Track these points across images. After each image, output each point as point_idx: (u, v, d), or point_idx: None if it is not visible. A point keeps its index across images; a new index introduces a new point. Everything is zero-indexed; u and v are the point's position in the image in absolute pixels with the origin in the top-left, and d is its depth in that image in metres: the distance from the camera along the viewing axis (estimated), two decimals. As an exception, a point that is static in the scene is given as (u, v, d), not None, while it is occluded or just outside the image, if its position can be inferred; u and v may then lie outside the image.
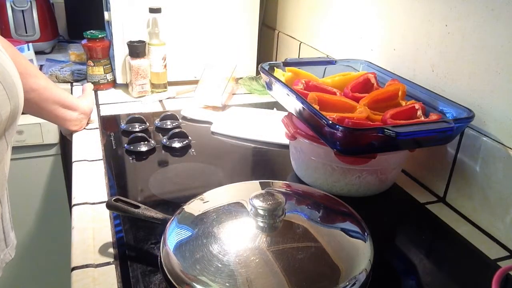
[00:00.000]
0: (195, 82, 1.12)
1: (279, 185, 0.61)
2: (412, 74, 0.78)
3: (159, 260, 0.48)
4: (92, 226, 0.61)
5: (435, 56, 0.73)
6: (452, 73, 0.70)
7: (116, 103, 1.07)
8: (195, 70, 1.19)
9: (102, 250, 0.56)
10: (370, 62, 0.84)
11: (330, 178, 0.69)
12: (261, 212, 0.49)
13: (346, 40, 1.00)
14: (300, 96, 0.64)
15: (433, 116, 0.65)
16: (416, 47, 0.77)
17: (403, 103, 0.70)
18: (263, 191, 0.51)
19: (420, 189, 0.76)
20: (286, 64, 0.80)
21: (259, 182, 0.61)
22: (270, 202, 0.49)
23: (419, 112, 0.66)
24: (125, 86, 1.15)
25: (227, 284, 0.43)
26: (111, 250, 0.56)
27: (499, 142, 0.62)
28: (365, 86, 0.76)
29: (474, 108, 0.63)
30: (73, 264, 0.54)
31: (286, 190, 0.59)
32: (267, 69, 0.77)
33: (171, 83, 1.17)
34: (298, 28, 1.24)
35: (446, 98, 0.67)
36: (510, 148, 0.61)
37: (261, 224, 0.49)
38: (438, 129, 0.59)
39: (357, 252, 0.48)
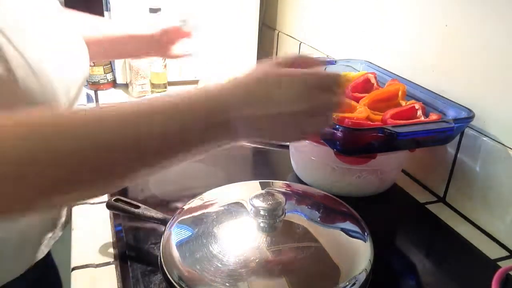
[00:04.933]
0: (195, 82, 1.12)
1: (279, 185, 0.61)
2: (412, 74, 0.78)
3: (159, 260, 0.48)
4: (92, 226, 0.61)
5: (435, 56, 0.73)
6: (452, 73, 0.70)
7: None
8: (195, 70, 1.19)
9: (102, 250, 0.56)
10: (370, 62, 0.84)
11: (330, 178, 0.69)
12: (261, 212, 0.49)
13: (346, 40, 1.00)
14: None
15: (433, 116, 0.65)
16: (416, 47, 0.77)
17: (403, 103, 0.70)
18: (263, 191, 0.51)
19: (420, 189, 0.76)
20: None
21: (259, 182, 0.61)
22: (270, 202, 0.49)
23: (419, 112, 0.66)
24: (125, 86, 1.15)
25: (227, 284, 0.43)
26: (111, 250, 0.56)
27: (499, 142, 0.62)
28: (365, 86, 0.76)
29: (474, 108, 0.63)
30: (73, 264, 0.54)
31: (286, 190, 0.59)
32: None
33: (171, 83, 1.17)
34: (298, 28, 1.24)
35: (446, 98, 0.67)
36: (510, 148, 0.61)
37: (261, 224, 0.49)
38: (438, 129, 0.59)
39: (357, 252, 0.48)
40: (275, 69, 0.43)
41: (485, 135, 0.64)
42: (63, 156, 0.35)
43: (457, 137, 0.68)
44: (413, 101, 0.70)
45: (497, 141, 0.63)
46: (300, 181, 0.74)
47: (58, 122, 0.36)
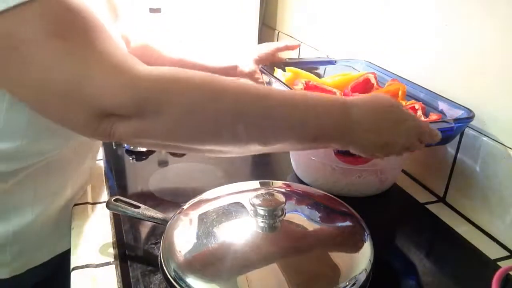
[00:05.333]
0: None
1: (279, 185, 0.61)
2: (412, 74, 0.78)
3: (159, 260, 0.48)
4: (92, 226, 0.61)
5: (435, 56, 0.73)
6: (452, 73, 0.70)
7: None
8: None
9: (102, 250, 0.56)
10: (370, 62, 0.84)
11: (330, 178, 0.69)
12: (261, 212, 0.49)
13: (346, 40, 1.00)
14: None
15: (433, 116, 0.65)
16: (416, 47, 0.77)
17: (404, 103, 0.70)
18: (263, 191, 0.51)
19: (420, 189, 0.76)
20: (286, 64, 0.80)
21: (259, 182, 0.61)
22: (270, 202, 0.49)
23: (419, 112, 0.66)
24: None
25: (227, 284, 0.43)
26: (111, 250, 0.56)
27: (499, 142, 0.62)
28: (365, 86, 0.76)
29: (474, 108, 0.63)
30: (73, 264, 0.54)
31: (286, 190, 0.59)
32: (267, 69, 0.77)
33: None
34: (298, 28, 1.24)
35: (446, 98, 0.67)
36: (510, 148, 0.61)
37: (261, 224, 0.49)
38: (438, 129, 0.59)
39: (357, 252, 0.48)
40: (400, 105, 0.53)
41: (485, 135, 0.64)
42: (250, 116, 0.45)
43: (457, 137, 0.68)
44: (413, 101, 0.70)
45: (497, 141, 0.63)
46: (300, 181, 0.74)
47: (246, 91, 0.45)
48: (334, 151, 0.65)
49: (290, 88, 0.68)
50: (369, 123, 0.50)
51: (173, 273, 0.45)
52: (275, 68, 0.79)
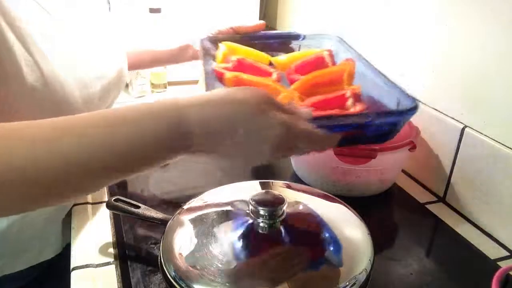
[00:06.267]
0: (195, 82, 1.12)
1: (279, 185, 0.61)
2: (412, 74, 0.78)
3: (159, 260, 0.48)
4: (92, 226, 0.61)
5: (435, 55, 0.73)
6: (451, 72, 0.70)
7: (116, 103, 1.06)
8: (195, 70, 1.19)
9: (102, 250, 0.56)
10: (341, 38, 0.71)
11: (330, 178, 0.69)
12: (261, 212, 0.49)
13: (347, 39, 1.00)
14: (214, 77, 0.56)
15: (357, 107, 0.52)
16: (416, 47, 0.77)
17: (347, 87, 0.56)
18: (263, 191, 0.51)
19: (420, 189, 0.76)
20: (243, 39, 0.70)
21: (259, 182, 0.61)
22: (270, 202, 0.49)
23: (349, 101, 0.53)
24: (125, 86, 1.15)
25: (227, 284, 0.43)
26: (111, 250, 0.56)
27: (499, 142, 0.62)
28: (316, 65, 0.61)
29: (473, 107, 0.63)
30: (73, 264, 0.54)
31: (286, 190, 0.59)
32: (209, 43, 0.68)
33: (171, 83, 1.17)
34: (298, 29, 1.23)
35: (402, 89, 0.51)
36: (510, 148, 0.61)
37: (261, 224, 0.49)
38: (352, 125, 0.46)
39: (357, 252, 0.48)
40: (270, 106, 0.40)
41: (485, 135, 0.64)
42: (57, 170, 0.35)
43: (457, 137, 0.68)
44: (353, 86, 0.56)
45: (497, 141, 0.63)
46: (300, 181, 0.74)
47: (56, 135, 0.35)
48: (334, 151, 0.65)
49: (205, 68, 0.59)
50: (213, 127, 0.38)
51: (173, 273, 0.45)
52: (218, 44, 0.69)
